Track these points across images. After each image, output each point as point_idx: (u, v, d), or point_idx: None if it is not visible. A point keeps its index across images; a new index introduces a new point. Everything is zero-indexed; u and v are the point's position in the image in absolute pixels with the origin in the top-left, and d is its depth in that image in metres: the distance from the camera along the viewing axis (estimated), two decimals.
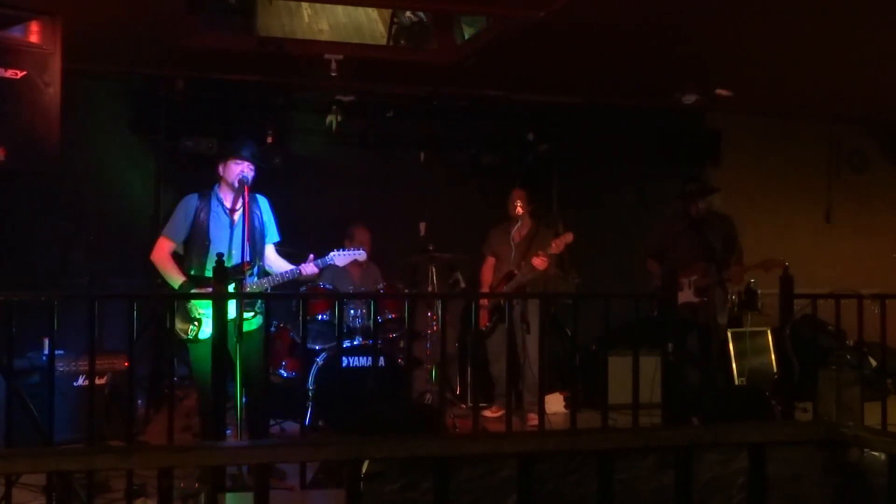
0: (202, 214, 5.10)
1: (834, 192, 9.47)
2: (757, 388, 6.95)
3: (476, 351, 6.58)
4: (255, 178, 5.12)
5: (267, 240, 5.30)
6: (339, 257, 5.25)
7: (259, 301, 5.01)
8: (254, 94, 7.70)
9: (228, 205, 5.13)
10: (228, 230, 5.10)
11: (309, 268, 5.14)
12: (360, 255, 5.35)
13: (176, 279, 5.03)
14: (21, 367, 5.42)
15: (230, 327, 4.46)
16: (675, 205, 6.67)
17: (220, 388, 4.33)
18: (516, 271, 6.81)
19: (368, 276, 7.04)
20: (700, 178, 6.71)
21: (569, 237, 6.47)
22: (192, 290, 4.93)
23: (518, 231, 6.96)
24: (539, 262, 6.53)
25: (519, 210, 6.88)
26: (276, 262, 5.34)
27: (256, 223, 5.18)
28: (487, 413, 7.07)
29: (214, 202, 5.14)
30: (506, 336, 6.21)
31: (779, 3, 5.79)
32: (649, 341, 5.89)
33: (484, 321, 6.96)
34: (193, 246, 5.09)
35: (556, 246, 6.49)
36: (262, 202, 5.31)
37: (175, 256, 5.15)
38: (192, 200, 5.16)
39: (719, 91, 7.49)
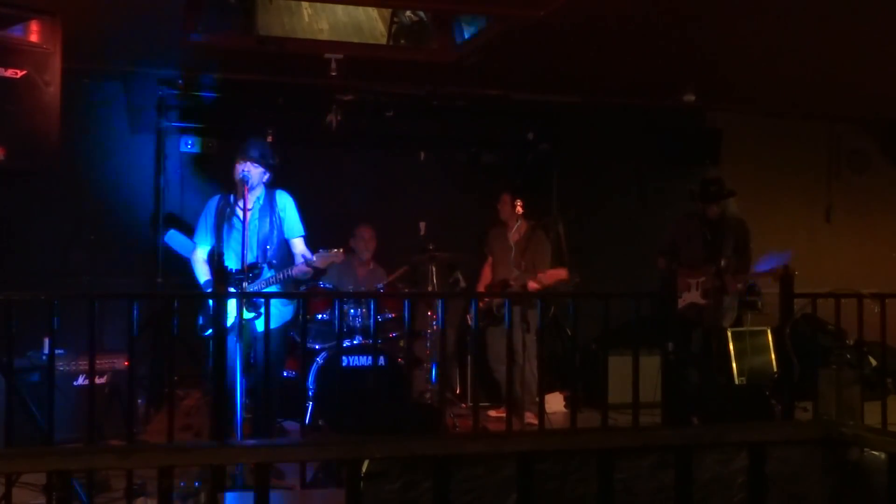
0: (222, 215, 5.26)
1: (834, 192, 9.47)
2: (757, 388, 6.96)
3: (476, 351, 6.58)
4: (266, 176, 5.25)
5: (287, 235, 5.34)
6: (319, 258, 5.20)
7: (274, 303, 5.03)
8: (254, 93, 7.70)
9: (239, 205, 5.18)
10: (240, 230, 5.14)
11: (299, 269, 5.20)
12: (336, 256, 5.30)
13: (201, 277, 5.28)
14: (21, 366, 5.43)
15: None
16: (697, 206, 6.65)
17: (222, 387, 4.35)
18: (512, 282, 6.82)
19: (372, 278, 7.04)
20: (718, 181, 6.69)
21: (562, 274, 6.66)
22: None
23: (516, 232, 6.97)
24: (533, 286, 6.69)
25: (519, 211, 6.88)
26: (301, 257, 5.36)
27: (269, 221, 5.22)
28: (492, 413, 7.08)
29: (230, 202, 5.29)
30: (505, 338, 6.23)
31: (779, 4, 5.78)
32: (649, 341, 5.89)
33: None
34: (216, 245, 5.24)
35: (549, 277, 6.69)
36: (282, 198, 5.36)
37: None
38: (212, 202, 5.36)
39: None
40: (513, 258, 6.88)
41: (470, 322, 6.88)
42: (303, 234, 5.39)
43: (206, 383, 6.14)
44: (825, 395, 6.12)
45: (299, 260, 5.28)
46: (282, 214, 5.31)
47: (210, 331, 5.02)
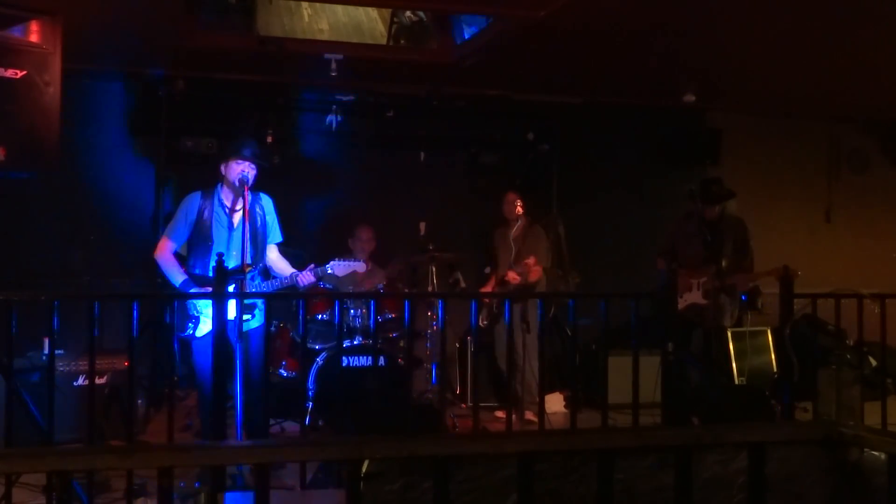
0: (205, 213, 5.11)
1: (834, 192, 9.47)
2: (757, 388, 6.96)
3: (476, 350, 6.59)
4: (256, 177, 5.14)
5: (269, 240, 5.28)
6: (339, 267, 5.17)
7: (258, 303, 5.01)
8: (254, 94, 7.70)
9: (229, 205, 5.13)
10: (229, 231, 5.10)
11: (306, 277, 5.11)
12: (360, 266, 5.29)
13: (176, 277, 5.05)
14: (21, 366, 5.43)
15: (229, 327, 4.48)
16: (690, 205, 6.66)
17: (220, 387, 4.34)
18: (507, 278, 6.86)
19: (371, 278, 7.03)
20: (720, 182, 6.69)
21: (531, 261, 6.67)
22: (193, 290, 4.95)
23: (517, 231, 6.98)
24: (511, 276, 6.78)
25: (519, 210, 6.89)
26: (277, 264, 5.32)
27: (258, 223, 5.17)
28: (499, 413, 7.08)
29: (216, 202, 5.14)
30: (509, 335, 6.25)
31: (779, 4, 5.78)
32: (649, 341, 5.89)
33: (483, 318, 7.01)
34: (196, 245, 5.11)
35: (530, 272, 6.70)
36: (266, 202, 5.30)
37: (179, 255, 5.18)
38: (194, 200, 5.17)
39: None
40: (513, 257, 6.90)
41: (482, 322, 6.96)
42: (281, 240, 5.35)
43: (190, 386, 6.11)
44: (825, 395, 6.12)
45: (283, 268, 5.23)
46: (268, 218, 5.25)
47: (187, 332, 5.00)
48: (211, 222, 5.11)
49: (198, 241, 5.11)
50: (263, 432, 4.77)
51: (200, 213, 5.11)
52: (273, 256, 5.33)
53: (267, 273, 5.25)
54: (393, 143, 8.12)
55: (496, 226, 7.28)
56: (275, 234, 5.32)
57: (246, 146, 5.16)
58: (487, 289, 7.18)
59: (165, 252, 5.13)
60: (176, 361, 6.12)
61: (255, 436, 4.89)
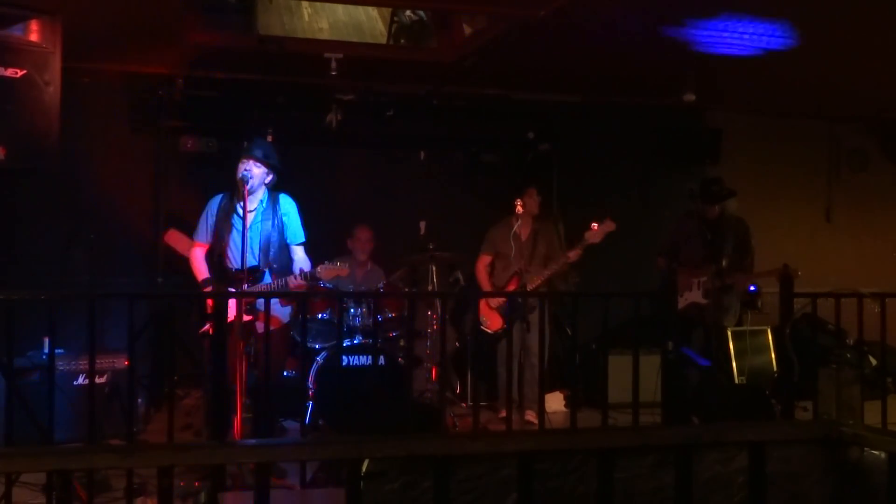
0: (224, 214, 5.22)
1: (834, 191, 9.47)
2: (757, 387, 6.96)
3: (478, 351, 6.58)
4: (272, 177, 5.23)
5: (289, 240, 5.29)
6: (325, 270, 5.18)
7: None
8: (254, 93, 7.70)
9: (241, 206, 5.17)
10: (240, 231, 5.13)
11: (296, 282, 5.14)
12: (342, 270, 5.26)
13: (198, 276, 5.25)
14: (21, 366, 5.43)
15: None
16: (691, 205, 6.65)
17: (221, 387, 4.36)
18: (528, 270, 6.81)
19: (371, 277, 7.03)
20: (720, 181, 6.69)
21: (611, 226, 6.51)
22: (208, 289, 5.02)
23: (521, 228, 6.95)
24: (574, 254, 6.59)
25: (519, 210, 6.87)
26: (301, 264, 5.31)
27: (272, 225, 5.19)
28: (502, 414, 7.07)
29: (233, 202, 5.25)
30: (517, 338, 6.25)
31: (779, 3, 5.78)
32: (649, 341, 5.90)
33: (496, 325, 6.94)
34: (217, 245, 5.24)
35: (596, 234, 6.52)
36: (286, 202, 5.32)
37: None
38: (214, 201, 5.32)
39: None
40: (513, 256, 6.88)
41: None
42: (303, 240, 5.35)
43: (206, 382, 6.16)
44: (825, 394, 6.12)
45: (297, 267, 5.25)
46: (284, 219, 5.26)
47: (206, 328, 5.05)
48: (225, 223, 5.20)
49: (218, 242, 5.23)
50: (268, 432, 4.78)
51: (219, 213, 5.23)
52: (297, 257, 5.33)
53: (286, 274, 5.26)
54: (393, 143, 8.11)
55: (494, 225, 7.23)
56: (297, 234, 5.32)
57: (255, 146, 5.24)
58: (511, 288, 7.13)
59: (195, 252, 5.33)
60: (176, 360, 6.13)
61: (259, 436, 4.91)
